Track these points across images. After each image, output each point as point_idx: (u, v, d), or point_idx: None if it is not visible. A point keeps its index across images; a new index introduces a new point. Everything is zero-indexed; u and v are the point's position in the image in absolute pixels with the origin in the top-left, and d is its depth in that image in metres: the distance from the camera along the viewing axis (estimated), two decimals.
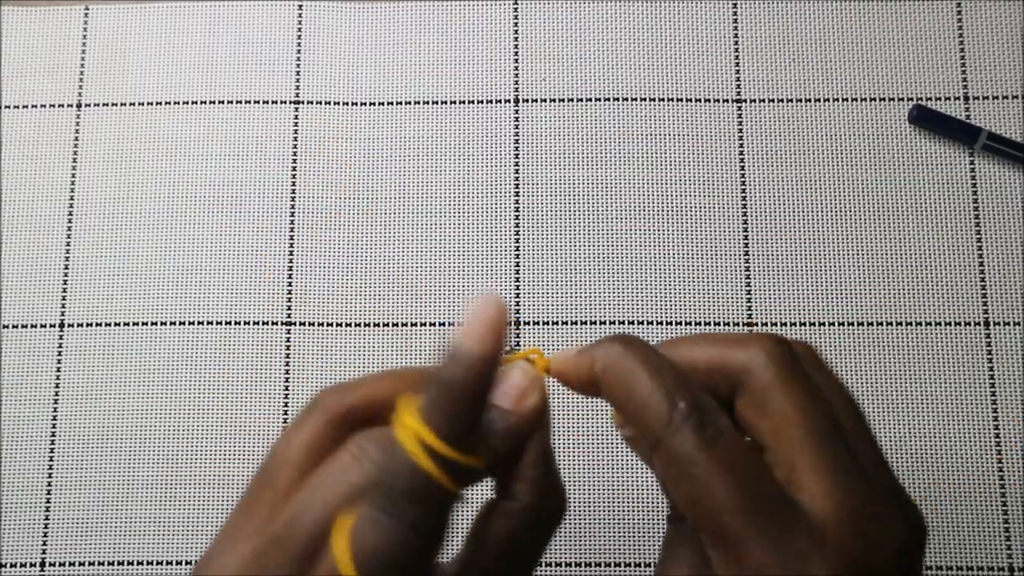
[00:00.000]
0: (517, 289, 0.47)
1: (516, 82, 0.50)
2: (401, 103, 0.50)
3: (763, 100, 0.49)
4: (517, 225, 0.48)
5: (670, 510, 0.27)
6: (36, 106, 0.50)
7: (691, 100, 0.49)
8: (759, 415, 0.25)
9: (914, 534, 0.24)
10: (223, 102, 0.50)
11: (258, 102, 0.50)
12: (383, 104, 0.50)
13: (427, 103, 0.50)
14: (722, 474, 0.23)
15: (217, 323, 0.47)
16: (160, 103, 0.50)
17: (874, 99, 0.49)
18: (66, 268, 0.48)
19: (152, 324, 0.47)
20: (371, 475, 0.24)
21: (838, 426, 0.25)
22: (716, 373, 0.26)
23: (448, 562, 0.27)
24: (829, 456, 0.24)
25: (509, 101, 0.50)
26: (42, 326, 0.47)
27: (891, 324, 0.46)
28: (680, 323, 0.46)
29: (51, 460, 0.46)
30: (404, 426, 0.24)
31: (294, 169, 0.49)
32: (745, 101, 0.49)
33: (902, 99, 0.49)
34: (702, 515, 0.23)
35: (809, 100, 0.49)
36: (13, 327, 0.47)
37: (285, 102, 0.50)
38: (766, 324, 0.46)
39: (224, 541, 0.25)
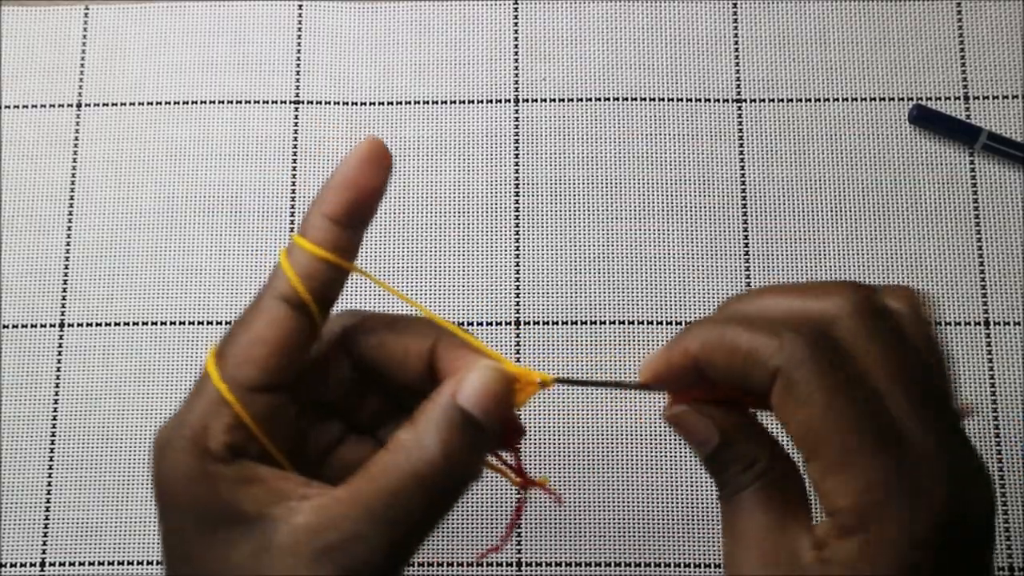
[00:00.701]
0: (517, 289, 0.47)
1: (516, 82, 0.50)
2: (401, 103, 0.50)
3: (763, 100, 0.49)
4: (517, 225, 0.48)
5: (721, 491, 0.27)
6: (36, 106, 0.50)
7: (691, 100, 0.49)
8: (789, 410, 0.25)
9: (993, 495, 0.25)
10: (223, 102, 0.50)
11: (258, 102, 0.50)
12: (383, 104, 0.50)
13: (427, 103, 0.50)
14: (842, 395, 0.23)
15: (217, 323, 0.47)
16: (160, 103, 0.50)
17: (874, 99, 0.49)
18: (66, 268, 0.48)
19: (152, 324, 0.47)
20: None
21: (930, 376, 0.25)
22: (744, 369, 0.26)
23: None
24: (928, 404, 0.24)
25: (509, 101, 0.50)
26: (42, 326, 0.47)
27: None
28: (680, 323, 0.46)
29: (51, 460, 0.46)
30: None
31: (294, 169, 0.49)
32: (745, 101, 0.49)
33: (902, 99, 0.49)
34: (825, 437, 0.23)
35: (809, 100, 0.49)
36: (13, 327, 0.47)
37: (285, 102, 0.50)
38: None
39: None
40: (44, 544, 0.45)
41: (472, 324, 0.47)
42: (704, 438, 0.27)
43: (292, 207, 0.48)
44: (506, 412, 0.28)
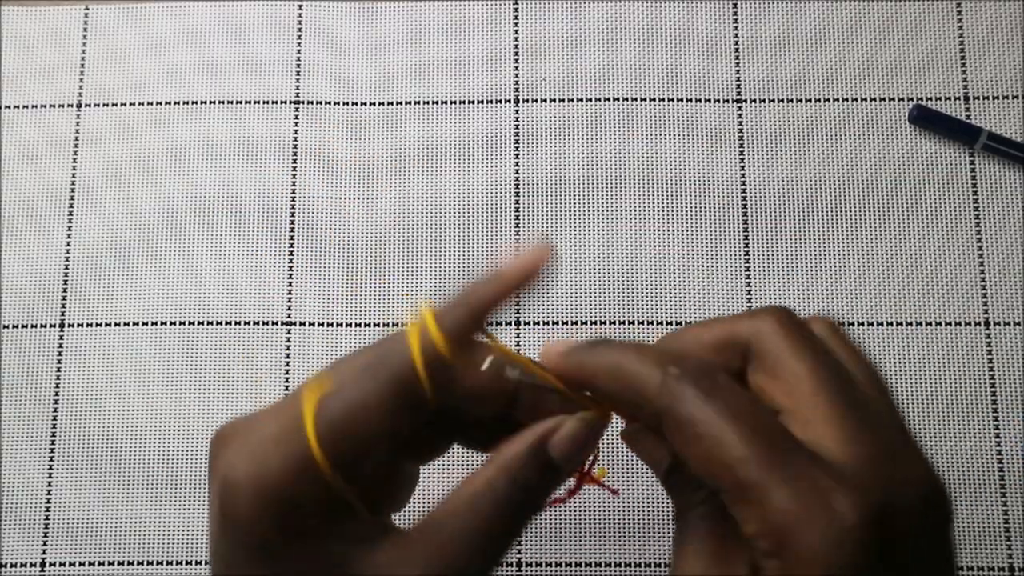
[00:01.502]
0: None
1: (516, 82, 0.50)
2: (401, 103, 0.50)
3: (763, 100, 0.49)
4: (517, 225, 0.48)
5: (675, 509, 0.27)
6: (36, 106, 0.50)
7: (691, 100, 0.49)
8: (771, 379, 0.25)
9: (938, 483, 0.24)
10: (223, 102, 0.50)
11: (258, 102, 0.50)
12: (383, 104, 0.50)
13: (427, 103, 0.50)
14: (729, 425, 0.23)
15: (217, 323, 0.47)
16: (160, 103, 0.50)
17: (874, 99, 0.49)
18: (66, 268, 0.48)
19: (152, 324, 0.47)
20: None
21: (851, 383, 0.25)
22: (726, 347, 0.26)
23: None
24: (843, 407, 0.24)
25: (509, 101, 0.50)
26: (42, 326, 0.47)
27: (891, 324, 0.46)
28: (680, 323, 0.46)
29: (51, 460, 0.46)
30: (416, 318, 0.26)
31: (294, 169, 0.49)
32: (745, 101, 0.49)
33: (902, 99, 0.49)
34: (718, 472, 0.23)
35: (809, 100, 0.49)
36: (13, 327, 0.47)
37: (285, 102, 0.50)
38: None
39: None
40: (44, 544, 0.45)
41: None
42: (656, 459, 0.27)
43: (292, 207, 0.48)
44: (586, 457, 0.28)
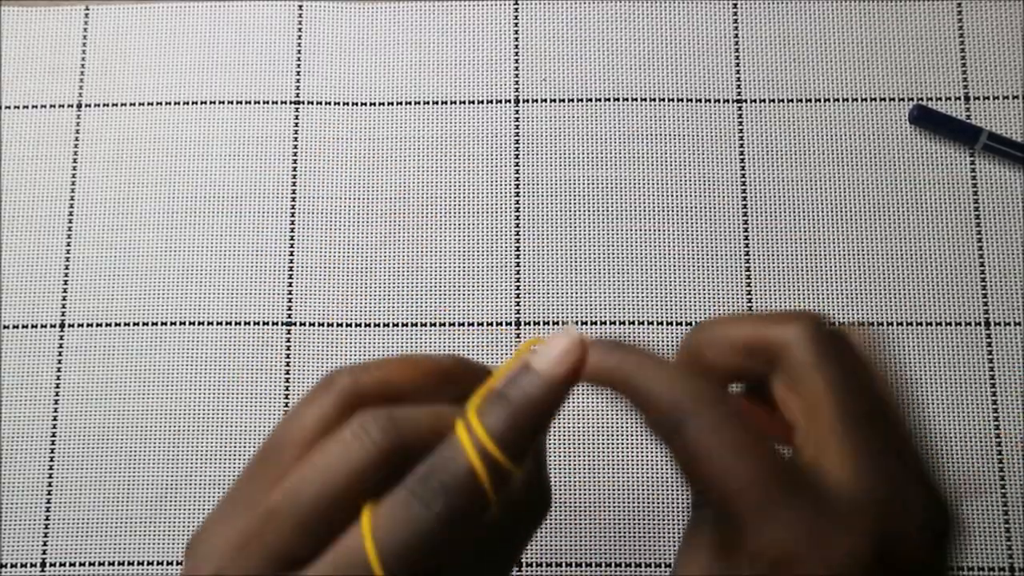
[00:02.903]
0: (517, 289, 0.47)
1: (516, 82, 0.50)
2: (401, 103, 0.50)
3: (763, 100, 0.49)
4: (517, 225, 0.48)
5: (692, 496, 0.27)
6: (36, 106, 0.50)
7: (691, 100, 0.49)
8: (793, 393, 0.25)
9: (940, 516, 0.24)
10: (223, 102, 0.50)
11: (258, 102, 0.50)
12: (383, 104, 0.50)
13: (427, 103, 0.50)
14: (735, 455, 0.23)
15: (217, 323, 0.47)
16: (160, 103, 0.50)
17: (874, 99, 0.49)
18: (66, 268, 0.48)
19: (152, 324, 0.47)
20: (371, 456, 0.24)
21: (872, 409, 0.25)
22: (753, 351, 0.26)
23: None
24: (858, 438, 0.24)
25: (509, 101, 0.50)
26: (42, 326, 0.47)
27: (891, 324, 0.46)
28: (680, 323, 0.46)
29: (51, 460, 0.46)
30: (466, 424, 0.25)
31: (294, 169, 0.49)
32: (745, 101, 0.49)
33: (902, 99, 0.49)
34: (720, 497, 0.24)
35: (809, 100, 0.49)
36: (13, 327, 0.47)
37: (285, 102, 0.50)
38: None
39: (221, 513, 0.26)
40: (44, 544, 0.45)
41: (472, 324, 0.47)
42: None
43: (292, 207, 0.48)
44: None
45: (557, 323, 0.47)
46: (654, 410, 0.25)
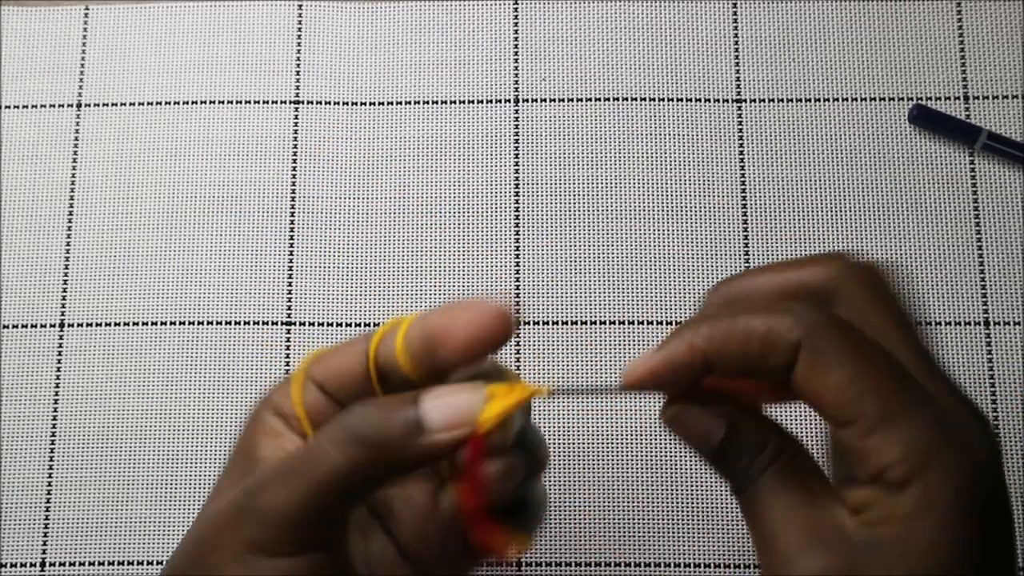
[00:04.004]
0: (517, 289, 0.47)
1: (516, 82, 0.50)
2: (401, 103, 0.50)
3: (763, 100, 0.49)
4: (517, 225, 0.48)
5: (734, 483, 0.26)
6: (36, 106, 0.50)
7: (691, 100, 0.49)
8: (821, 377, 0.25)
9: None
10: (223, 102, 0.50)
11: (258, 102, 0.50)
12: (383, 104, 0.50)
13: (427, 103, 0.50)
14: (871, 354, 0.24)
15: (217, 323, 0.47)
16: (160, 103, 0.50)
17: (874, 99, 0.49)
18: (66, 268, 0.48)
19: (152, 324, 0.47)
20: (328, 471, 0.26)
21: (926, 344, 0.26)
22: (792, 296, 0.26)
23: None
24: (935, 362, 0.25)
25: (509, 101, 0.50)
26: (42, 326, 0.47)
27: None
28: (680, 323, 0.46)
29: (51, 460, 0.46)
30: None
31: (294, 169, 0.49)
32: (745, 101, 0.49)
33: (902, 99, 0.49)
34: (861, 400, 0.24)
35: (809, 100, 0.49)
36: (13, 327, 0.47)
37: (285, 102, 0.50)
38: None
39: (211, 498, 0.29)
40: (44, 544, 0.45)
41: None
42: (708, 432, 0.26)
43: (292, 207, 0.48)
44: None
45: (557, 323, 0.47)
46: (774, 339, 0.25)
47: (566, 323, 0.47)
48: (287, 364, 0.46)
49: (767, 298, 0.27)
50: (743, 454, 0.26)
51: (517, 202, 0.48)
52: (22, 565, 0.44)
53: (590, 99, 0.49)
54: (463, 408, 0.26)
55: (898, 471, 0.23)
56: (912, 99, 0.49)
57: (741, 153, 0.49)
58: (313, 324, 0.47)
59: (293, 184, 0.49)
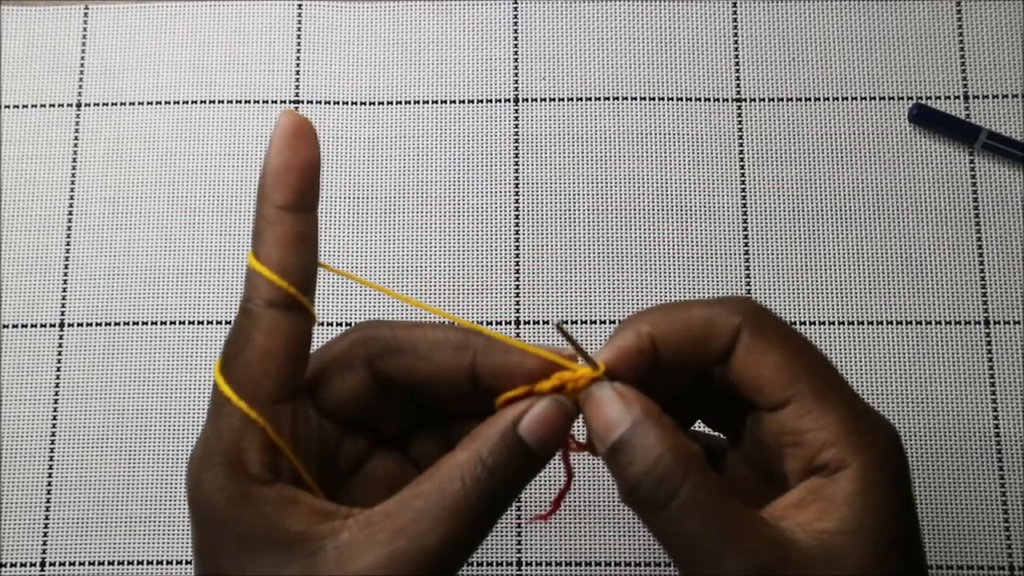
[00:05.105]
0: (517, 288, 0.47)
1: (516, 81, 0.50)
2: (401, 103, 0.50)
3: (763, 99, 0.49)
4: (517, 224, 0.48)
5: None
6: (36, 106, 0.50)
7: (691, 99, 0.49)
8: (761, 356, 0.26)
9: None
10: (223, 102, 0.50)
11: (258, 102, 0.50)
12: (383, 104, 0.50)
13: (427, 103, 0.50)
14: (805, 340, 0.27)
15: (217, 323, 0.47)
16: (160, 102, 0.50)
17: (874, 98, 0.49)
18: (66, 268, 0.48)
19: (152, 324, 0.47)
20: None
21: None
22: (705, 333, 0.27)
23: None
24: (838, 378, 0.27)
25: (509, 100, 0.50)
26: (42, 326, 0.47)
27: (891, 323, 0.46)
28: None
29: (51, 460, 0.46)
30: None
31: None
32: (745, 100, 0.49)
33: (902, 98, 0.49)
34: (799, 378, 0.26)
35: (809, 99, 0.49)
36: (13, 327, 0.47)
37: (285, 102, 0.50)
38: None
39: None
40: (44, 544, 0.45)
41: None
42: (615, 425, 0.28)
43: None
44: (562, 442, 0.28)
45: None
46: (713, 325, 0.27)
47: (566, 322, 0.47)
48: None
49: (681, 334, 0.28)
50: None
51: (517, 201, 0.48)
52: (22, 565, 0.44)
53: (590, 98, 0.49)
54: (560, 429, 0.28)
55: (835, 452, 0.25)
56: (912, 98, 0.49)
57: (741, 152, 0.49)
58: None
59: None
